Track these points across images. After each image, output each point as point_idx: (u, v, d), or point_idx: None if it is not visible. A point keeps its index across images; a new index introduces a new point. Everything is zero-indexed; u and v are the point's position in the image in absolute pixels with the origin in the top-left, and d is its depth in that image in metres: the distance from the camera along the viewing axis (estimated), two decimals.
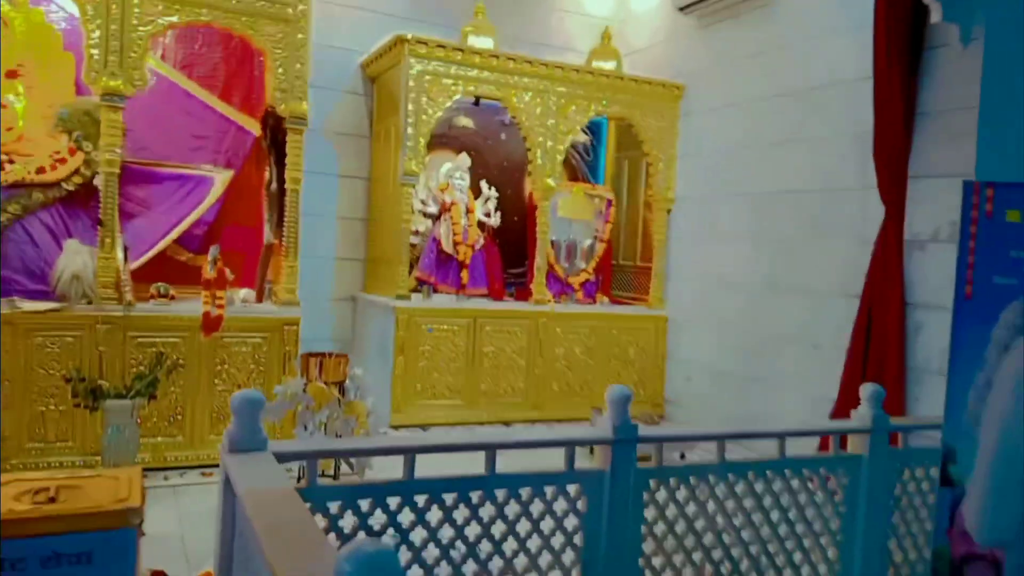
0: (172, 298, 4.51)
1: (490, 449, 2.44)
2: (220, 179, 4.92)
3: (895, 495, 3.06)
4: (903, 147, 4.40)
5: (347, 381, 4.35)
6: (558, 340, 6.27)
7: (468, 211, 6.39)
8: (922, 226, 4.45)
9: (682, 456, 5.35)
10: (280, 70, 4.53)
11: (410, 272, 6.20)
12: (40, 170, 4.30)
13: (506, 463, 2.43)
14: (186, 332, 4.41)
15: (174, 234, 4.69)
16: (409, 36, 5.58)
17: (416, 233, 6.18)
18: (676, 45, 6.72)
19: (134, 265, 4.51)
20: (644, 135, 6.55)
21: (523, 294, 6.46)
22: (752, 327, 5.76)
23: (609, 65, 6.60)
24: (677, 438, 3.25)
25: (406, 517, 2.22)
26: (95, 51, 4.11)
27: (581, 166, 7.37)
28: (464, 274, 6.25)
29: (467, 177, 6.47)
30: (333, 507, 2.12)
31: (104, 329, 4.20)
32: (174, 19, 4.28)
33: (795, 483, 2.91)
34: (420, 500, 2.22)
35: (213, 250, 4.49)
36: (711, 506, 2.71)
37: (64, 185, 4.37)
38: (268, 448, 2.13)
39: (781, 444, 2.89)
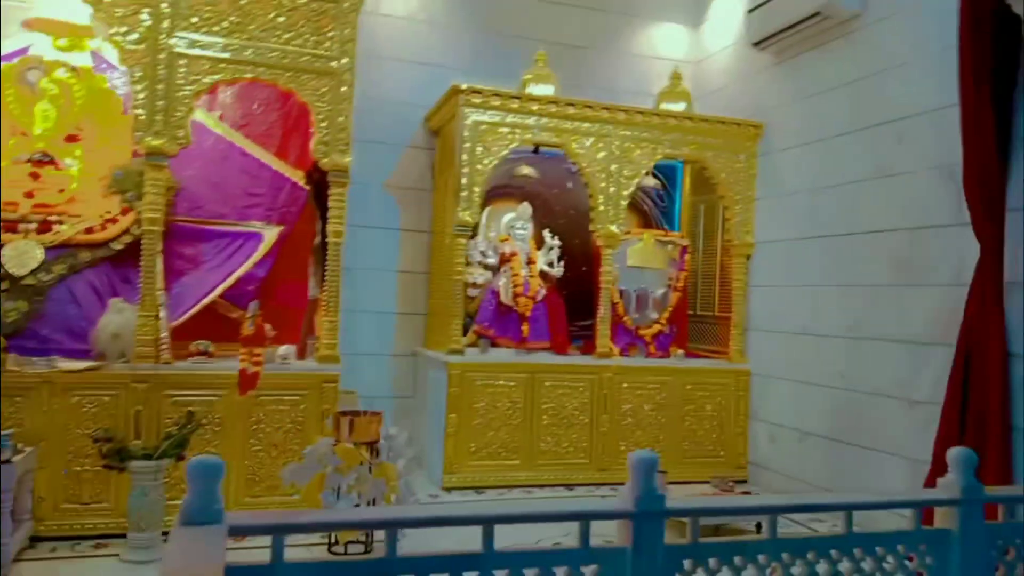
0: (211, 355, 4.48)
1: (487, 523, 2.14)
2: (269, 235, 4.92)
3: None
4: (998, 177, 3.84)
5: (380, 441, 4.14)
6: (625, 396, 5.87)
7: (530, 262, 6.16)
8: None
9: (758, 528, 4.83)
10: (324, 123, 4.51)
11: (469, 326, 6.01)
12: (89, 230, 4.42)
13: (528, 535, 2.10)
14: (223, 390, 4.36)
15: (218, 291, 4.69)
16: (464, 86, 5.49)
17: (475, 286, 5.99)
18: (752, 82, 6.34)
19: (178, 322, 4.52)
20: (718, 177, 6.15)
21: (590, 347, 6.11)
22: (841, 381, 5.18)
23: (679, 107, 6.29)
24: (714, 511, 2.83)
25: None
26: (141, 111, 4.21)
27: (654, 212, 7.02)
28: (525, 327, 5.98)
29: (529, 227, 6.26)
30: None
31: (140, 388, 4.20)
32: (218, 77, 4.34)
33: (867, 564, 2.42)
34: None
35: (252, 306, 4.44)
36: None
37: (113, 245, 4.47)
38: (224, 521, 1.93)
39: (848, 518, 2.41)
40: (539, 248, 6.33)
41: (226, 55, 4.35)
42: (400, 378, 6.45)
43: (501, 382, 5.58)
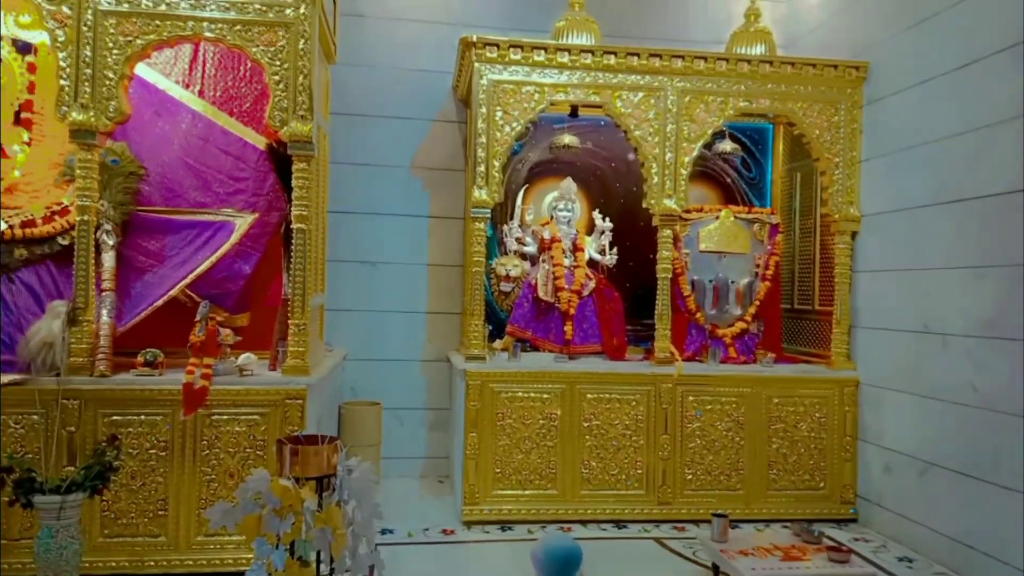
0: (159, 366, 3.80)
1: None
2: (241, 224, 4.21)
3: None
4: None
5: (336, 476, 3.30)
6: (693, 412, 4.73)
7: (576, 249, 5.14)
8: None
9: (819, 535, 3.65)
10: (280, 85, 3.73)
11: (503, 326, 5.10)
12: (27, 223, 3.87)
13: None
14: (169, 408, 3.67)
15: (175, 290, 4.02)
16: (474, 38, 4.56)
17: (508, 279, 5.05)
18: (850, 13, 5.00)
19: (127, 327, 3.88)
20: (810, 135, 4.88)
21: None
22: (973, 397, 3.83)
23: (756, 50, 5.05)
24: None
25: None
26: (65, 82, 3.60)
27: (738, 184, 5.79)
28: (568, 327, 4.97)
29: (575, 207, 5.25)
30: None
31: (72, 405, 3.58)
32: (152, 37, 3.66)
33: None
34: None
35: (202, 307, 3.74)
36: None
37: (60, 240, 3.90)
38: None
39: None
40: (589, 233, 5.30)
41: (161, 9, 3.66)
42: (434, 387, 5.62)
43: (532, 394, 4.61)
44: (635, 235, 5.36)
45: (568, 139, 5.23)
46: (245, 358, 3.89)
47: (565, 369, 4.68)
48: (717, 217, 5.24)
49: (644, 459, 4.67)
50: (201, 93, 4.54)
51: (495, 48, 4.58)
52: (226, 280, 4.34)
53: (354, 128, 5.43)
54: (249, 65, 4.53)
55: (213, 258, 4.10)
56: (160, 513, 3.68)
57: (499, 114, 4.61)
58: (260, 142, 4.49)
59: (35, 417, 3.58)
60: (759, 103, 4.83)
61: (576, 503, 4.61)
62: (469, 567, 4.02)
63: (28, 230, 3.85)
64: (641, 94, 4.71)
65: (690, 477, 4.70)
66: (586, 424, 4.64)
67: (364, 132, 5.47)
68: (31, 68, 4.22)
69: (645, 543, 4.34)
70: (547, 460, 4.60)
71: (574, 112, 5.19)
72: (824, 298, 5.20)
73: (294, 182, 3.83)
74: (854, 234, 4.88)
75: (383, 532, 4.27)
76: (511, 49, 4.59)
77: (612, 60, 4.66)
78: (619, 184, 5.64)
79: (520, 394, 4.60)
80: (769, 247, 5.25)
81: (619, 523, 4.61)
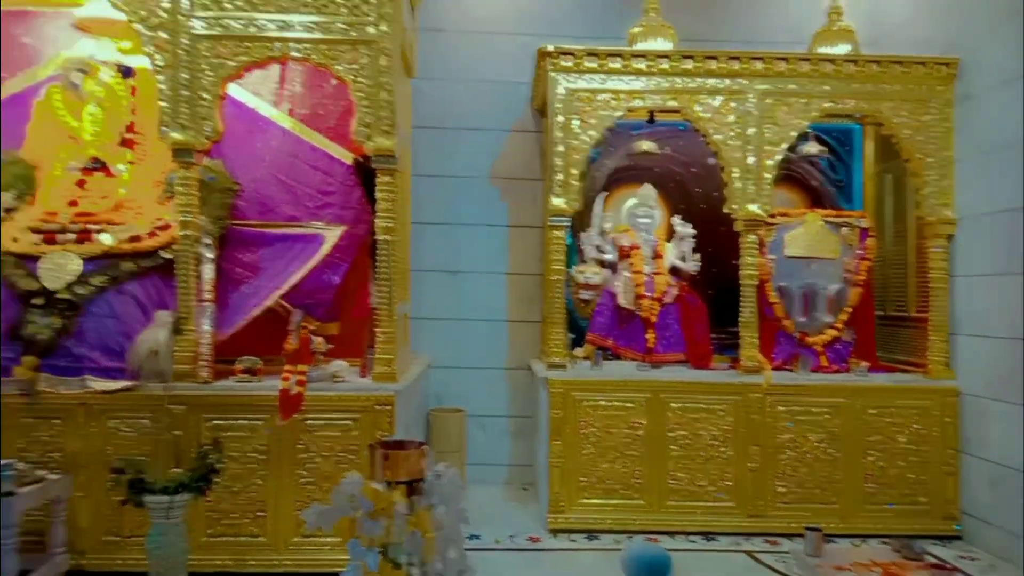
0: (257, 373, 3.95)
1: None
2: (330, 236, 4.35)
3: None
4: None
5: (425, 481, 3.35)
6: (783, 423, 4.60)
7: (656, 256, 5.10)
8: None
9: (921, 552, 3.48)
10: (364, 102, 3.85)
11: (584, 334, 5.08)
12: (134, 238, 4.09)
13: None
14: (267, 414, 3.82)
15: (269, 300, 4.18)
16: (550, 48, 4.60)
17: (588, 287, 5.04)
18: (941, 10, 4.83)
19: (226, 336, 4.06)
20: (900, 135, 4.71)
21: None
22: None
23: (840, 49, 4.92)
24: None
25: None
26: (165, 104, 3.81)
27: (825, 187, 5.63)
28: (650, 335, 4.93)
29: (655, 214, 5.20)
30: None
31: (178, 411, 3.76)
32: (244, 58, 3.84)
33: None
34: None
35: (296, 316, 3.88)
36: None
37: (162, 253, 4.11)
38: None
39: None
40: (670, 239, 5.25)
41: (251, 32, 3.84)
42: (517, 394, 5.66)
43: (616, 403, 4.58)
44: (718, 241, 5.25)
45: (646, 145, 5.20)
46: (337, 365, 4.01)
47: (649, 378, 4.63)
48: (803, 221, 5.09)
49: (733, 470, 4.56)
50: (291, 112, 4.73)
51: (571, 57, 4.61)
52: (317, 290, 4.49)
53: (433, 140, 5.55)
54: (334, 83, 4.68)
55: (305, 269, 4.25)
56: (260, 514, 3.82)
57: (576, 122, 4.63)
58: (346, 157, 4.64)
59: (144, 421, 3.79)
60: (844, 104, 4.70)
61: (663, 514, 4.54)
62: (556, 574, 4.01)
63: (134, 245, 4.08)
64: (720, 98, 4.65)
65: (782, 490, 4.57)
66: (671, 434, 4.57)
67: (443, 144, 5.58)
68: (133, 91, 4.49)
69: (736, 556, 4.24)
70: (632, 470, 4.56)
71: (651, 118, 5.16)
72: (920, 304, 4.99)
73: (378, 195, 3.94)
74: (950, 237, 4.68)
75: (470, 538, 4.30)
76: (587, 57, 4.60)
77: (690, 64, 4.62)
78: (700, 189, 5.56)
79: (603, 403, 4.57)
80: (860, 251, 5.07)
81: (708, 535, 4.52)
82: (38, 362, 3.69)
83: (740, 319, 4.69)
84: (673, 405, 4.58)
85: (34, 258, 3.98)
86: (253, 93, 4.61)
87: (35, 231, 4.07)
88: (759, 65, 4.61)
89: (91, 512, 3.77)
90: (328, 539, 3.77)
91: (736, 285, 4.77)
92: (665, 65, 4.62)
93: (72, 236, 4.02)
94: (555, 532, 4.50)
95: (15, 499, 3.24)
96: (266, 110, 4.64)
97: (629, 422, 4.57)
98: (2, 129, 4.49)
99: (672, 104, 4.67)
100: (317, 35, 3.84)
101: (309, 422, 3.84)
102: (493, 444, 5.61)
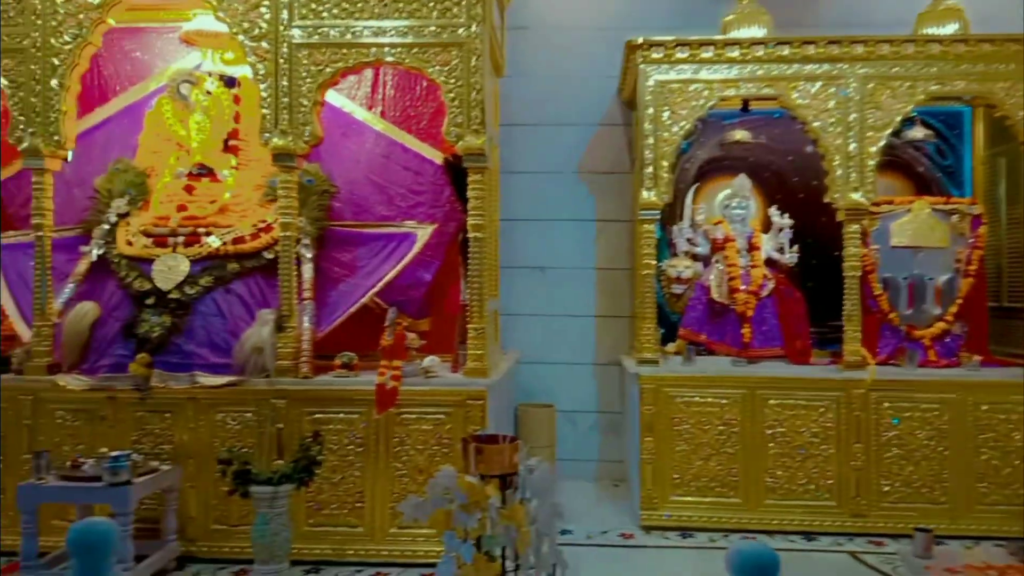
0: (353, 368, 4.07)
1: None
2: (422, 235, 4.43)
3: None
4: None
5: (518, 475, 3.37)
6: (888, 420, 4.40)
7: (752, 248, 4.96)
8: None
9: None
10: (455, 102, 3.90)
11: (675, 329, 5.00)
12: (238, 240, 4.28)
13: None
14: (363, 408, 3.92)
15: (365, 298, 4.29)
16: (639, 40, 4.54)
17: (680, 280, 4.95)
18: None
19: (325, 333, 4.20)
20: (1015, 116, 4.43)
21: None
22: None
23: (947, 29, 4.66)
24: None
25: None
26: (266, 110, 3.96)
27: (932, 173, 5.34)
28: (745, 329, 4.81)
29: (750, 205, 5.07)
30: None
31: (280, 404, 3.91)
32: (340, 65, 3.95)
33: None
34: None
35: (390, 313, 3.96)
36: None
37: (265, 254, 4.28)
38: None
39: None
40: (766, 231, 5.10)
41: (347, 39, 3.94)
42: (606, 390, 5.62)
43: (710, 399, 4.49)
44: (817, 231, 5.07)
45: (740, 134, 5.07)
46: (430, 360, 4.08)
47: (744, 373, 4.52)
48: (909, 210, 4.85)
49: (835, 469, 4.40)
50: (383, 114, 4.85)
51: (661, 48, 4.53)
52: (410, 287, 4.59)
53: (520, 137, 5.56)
54: (424, 85, 4.78)
55: (399, 267, 4.35)
56: (358, 505, 3.93)
57: (666, 114, 4.55)
58: (436, 156, 4.72)
59: (248, 414, 3.96)
60: (953, 86, 4.45)
61: (761, 512, 4.43)
62: (651, 572, 3.96)
63: (238, 246, 4.27)
64: (819, 83, 4.48)
65: (887, 489, 4.38)
66: (769, 431, 4.45)
67: (530, 140, 5.60)
68: (236, 100, 4.70)
69: (839, 557, 4.09)
70: (728, 467, 4.46)
71: (745, 106, 5.02)
72: None
73: (469, 193, 3.98)
74: None
75: (562, 533, 4.31)
76: (677, 48, 4.52)
77: (786, 51, 4.47)
78: (797, 178, 5.37)
79: (697, 399, 4.49)
80: (971, 240, 4.80)
81: (808, 535, 4.37)
82: (151, 359, 3.90)
83: (843, 312, 4.51)
84: (771, 402, 4.45)
85: (147, 260, 4.23)
86: (348, 98, 4.75)
87: (147, 235, 4.32)
88: (860, 49, 4.42)
89: (200, 501, 3.97)
90: (423, 531, 3.83)
91: (837, 277, 4.59)
92: (760, 52, 4.48)
93: (181, 239, 4.25)
94: (648, 529, 4.45)
95: (132, 488, 3.44)
96: (360, 113, 4.78)
97: (724, 418, 4.47)
98: (116, 139, 4.79)
99: (768, 92, 4.53)
100: (410, 39, 3.92)
101: (403, 416, 3.92)
102: (582, 440, 5.60)
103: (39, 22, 4.08)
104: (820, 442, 4.42)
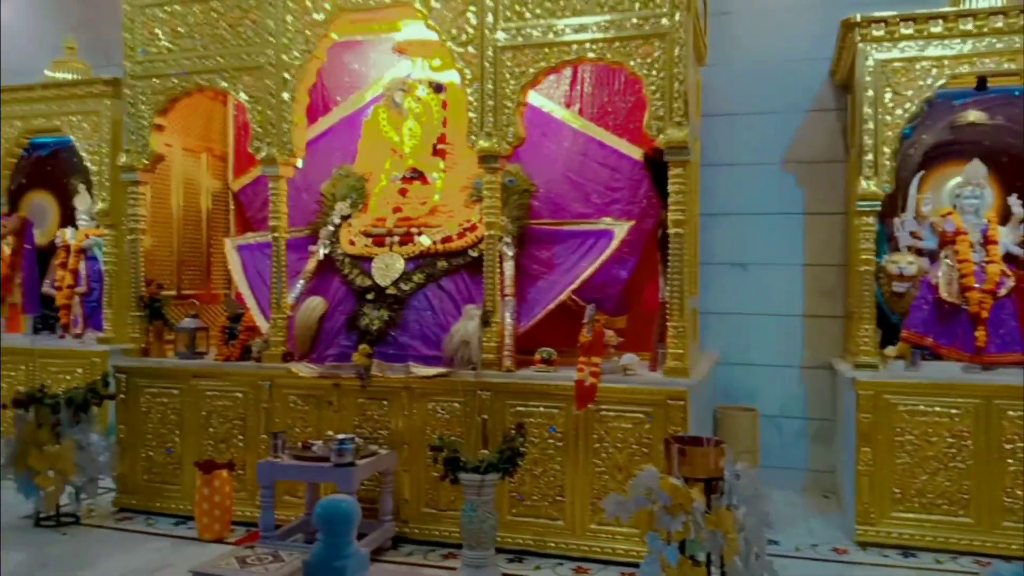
0: (552, 364, 4.13)
1: None
2: (619, 231, 4.40)
3: None
4: None
5: (724, 480, 3.27)
6: None
7: (987, 242, 4.45)
8: None
9: None
10: (657, 95, 3.83)
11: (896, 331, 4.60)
12: (446, 239, 4.49)
13: None
14: (563, 403, 3.97)
15: (563, 295, 4.34)
16: (857, 17, 4.21)
17: (902, 278, 4.53)
18: None
19: (525, 328, 4.30)
20: None
21: None
22: None
23: None
24: None
25: None
26: (473, 114, 4.11)
27: None
28: (980, 332, 4.32)
29: (984, 194, 4.54)
30: None
31: (485, 396, 4.07)
32: (542, 64, 4.01)
33: None
34: None
35: (589, 310, 3.97)
36: None
37: (470, 252, 4.46)
38: None
39: None
40: (1004, 223, 4.55)
41: (549, 38, 4.00)
42: (815, 395, 5.30)
43: (938, 408, 4.09)
44: None
45: (974, 115, 4.56)
46: (628, 358, 4.06)
47: (979, 381, 4.07)
48: None
49: None
50: (580, 111, 4.88)
51: (882, 25, 4.17)
52: (606, 285, 4.60)
53: (721, 127, 5.36)
54: (622, 79, 4.74)
55: (596, 264, 4.36)
56: (558, 499, 4.00)
57: (888, 96, 4.19)
58: (634, 152, 4.68)
59: (456, 405, 4.15)
60: None
61: (995, 536, 3.97)
62: None
63: (447, 245, 4.50)
64: None
65: None
66: (1008, 446, 3.98)
67: (731, 130, 5.38)
68: (444, 105, 4.93)
69: None
70: (958, 484, 4.04)
71: (982, 84, 4.50)
72: None
73: (670, 187, 3.90)
74: None
75: (768, 543, 4.11)
76: (901, 24, 4.14)
77: None
78: None
79: (922, 408, 4.11)
80: None
81: None
82: (371, 350, 4.20)
83: None
84: (1010, 413, 3.98)
85: (367, 259, 4.57)
86: (546, 97, 4.83)
87: (367, 235, 4.66)
88: None
89: (413, 485, 4.22)
90: (623, 529, 3.83)
91: None
92: (999, 23, 4.00)
93: (396, 238, 4.55)
94: (864, 545, 4.14)
95: (355, 469, 3.74)
96: (557, 112, 4.84)
97: (954, 430, 4.05)
98: (338, 147, 5.21)
99: (1009, 67, 4.04)
100: (611, 33, 3.91)
101: (603, 413, 3.93)
102: (788, 446, 5.31)
103: (272, 40, 4.51)
104: None
